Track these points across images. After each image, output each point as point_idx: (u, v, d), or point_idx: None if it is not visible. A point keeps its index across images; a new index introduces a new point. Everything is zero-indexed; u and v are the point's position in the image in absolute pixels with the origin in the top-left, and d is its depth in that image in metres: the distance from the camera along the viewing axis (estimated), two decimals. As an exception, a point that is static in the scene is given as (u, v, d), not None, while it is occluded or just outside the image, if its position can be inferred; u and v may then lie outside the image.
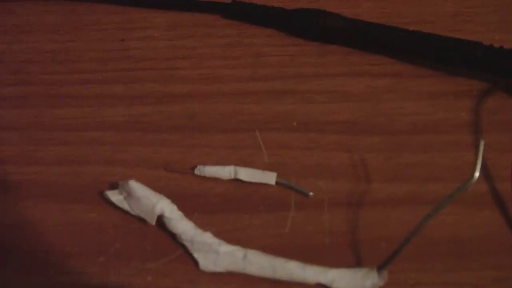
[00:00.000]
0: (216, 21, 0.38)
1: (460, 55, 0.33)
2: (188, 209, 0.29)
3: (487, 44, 0.33)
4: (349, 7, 0.38)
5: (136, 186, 0.29)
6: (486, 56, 0.33)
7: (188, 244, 0.28)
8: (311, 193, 0.30)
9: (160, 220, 0.28)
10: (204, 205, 0.30)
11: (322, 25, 0.36)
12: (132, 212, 0.29)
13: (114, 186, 0.30)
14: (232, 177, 0.30)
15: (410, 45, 0.34)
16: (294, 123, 0.33)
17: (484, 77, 0.34)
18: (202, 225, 0.29)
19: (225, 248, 0.28)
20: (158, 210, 0.28)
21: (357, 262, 0.28)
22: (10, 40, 0.37)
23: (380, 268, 0.27)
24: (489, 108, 0.33)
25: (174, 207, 0.28)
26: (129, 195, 0.29)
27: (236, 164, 0.31)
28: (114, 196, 0.29)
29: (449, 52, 0.34)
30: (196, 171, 0.30)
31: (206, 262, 0.27)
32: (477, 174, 0.25)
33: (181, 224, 0.28)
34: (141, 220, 0.29)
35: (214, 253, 0.27)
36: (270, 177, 0.30)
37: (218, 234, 0.28)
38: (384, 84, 0.34)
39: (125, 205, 0.29)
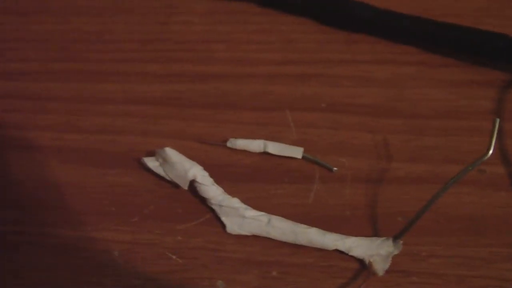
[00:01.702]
0: (251, 8, 0.40)
1: (483, 46, 0.35)
2: (218, 177, 0.31)
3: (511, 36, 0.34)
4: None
5: (171, 153, 0.31)
6: (509, 47, 0.34)
7: (216, 208, 0.30)
8: (335, 168, 0.31)
9: (192, 185, 0.30)
10: (233, 174, 0.32)
11: (351, 14, 0.37)
12: (167, 177, 0.31)
13: (149, 154, 0.32)
14: (262, 150, 0.32)
15: (435, 35, 0.36)
16: (323, 105, 0.34)
17: (507, 68, 0.35)
18: (230, 193, 0.30)
19: (251, 213, 0.29)
20: (190, 175, 0.30)
21: (374, 233, 0.30)
22: (58, 21, 0.40)
23: (395, 238, 0.28)
24: (510, 98, 0.34)
25: (206, 174, 0.30)
26: (164, 161, 0.31)
27: (265, 139, 0.32)
28: (151, 162, 0.31)
29: (473, 42, 0.35)
30: (228, 144, 0.32)
31: (233, 226, 0.29)
32: (490, 151, 0.26)
33: (211, 189, 0.30)
34: (174, 185, 0.31)
35: (241, 217, 0.29)
36: (297, 151, 0.32)
37: (244, 202, 0.30)
38: (409, 71, 0.36)
39: (160, 171, 0.31)
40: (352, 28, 0.38)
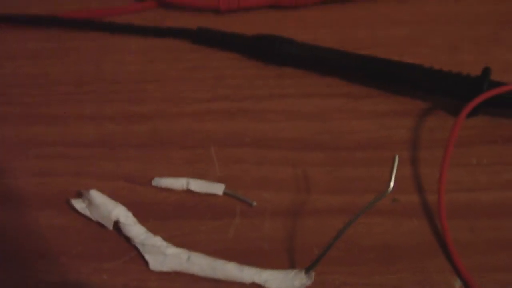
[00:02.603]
0: (184, 45, 0.41)
1: (402, 77, 0.36)
2: (144, 216, 0.32)
3: (427, 67, 0.36)
4: (307, 34, 0.40)
5: (96, 195, 0.32)
6: (425, 77, 0.36)
7: (140, 247, 0.31)
8: (254, 203, 0.33)
9: (117, 225, 0.32)
10: (158, 212, 0.33)
11: (278, 50, 0.39)
12: (93, 218, 0.32)
13: (79, 195, 0.33)
14: (185, 188, 0.33)
15: (358, 68, 0.37)
16: (247, 139, 0.36)
17: (426, 97, 0.37)
18: (155, 231, 0.32)
19: (172, 250, 0.31)
20: (114, 216, 0.31)
21: (291, 265, 0.31)
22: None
23: (307, 270, 0.29)
24: (428, 126, 0.36)
25: (129, 214, 0.32)
26: (90, 203, 0.32)
27: (191, 177, 0.34)
28: (78, 204, 0.32)
29: (393, 74, 0.37)
30: (153, 183, 0.34)
31: (155, 263, 0.31)
32: (390, 186, 0.28)
33: (134, 229, 0.31)
34: (101, 225, 0.32)
35: (162, 254, 0.31)
36: (218, 188, 0.33)
37: (168, 239, 0.32)
38: (333, 104, 0.37)
39: (87, 212, 0.32)
40: (280, 62, 0.40)
